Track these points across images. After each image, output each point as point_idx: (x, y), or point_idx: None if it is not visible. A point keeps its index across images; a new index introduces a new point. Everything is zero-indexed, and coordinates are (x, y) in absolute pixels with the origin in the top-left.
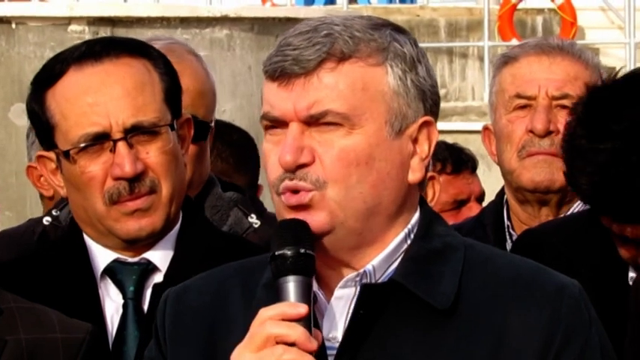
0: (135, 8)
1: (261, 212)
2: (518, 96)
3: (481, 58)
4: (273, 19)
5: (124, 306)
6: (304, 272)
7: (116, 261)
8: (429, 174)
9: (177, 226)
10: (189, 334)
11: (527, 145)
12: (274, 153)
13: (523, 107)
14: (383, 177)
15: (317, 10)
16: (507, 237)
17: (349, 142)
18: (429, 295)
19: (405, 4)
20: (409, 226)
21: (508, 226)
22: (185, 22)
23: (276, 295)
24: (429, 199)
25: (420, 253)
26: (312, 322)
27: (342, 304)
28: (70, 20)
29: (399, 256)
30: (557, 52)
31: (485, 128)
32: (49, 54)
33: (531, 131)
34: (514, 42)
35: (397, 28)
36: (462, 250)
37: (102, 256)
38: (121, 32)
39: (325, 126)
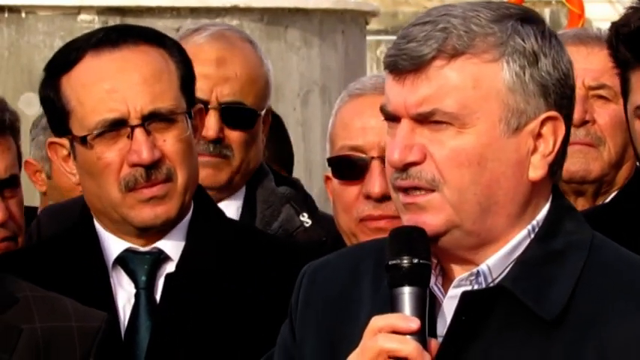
0: None
1: (313, 211)
2: None
3: None
4: (283, 9)
5: (136, 295)
6: (419, 283)
7: (128, 250)
8: None
9: (189, 216)
10: (317, 317)
11: None
12: (390, 147)
13: None
14: (497, 177)
15: (326, 1)
16: None
17: (460, 143)
18: (536, 303)
19: None
20: (534, 222)
21: None
22: (195, 12)
23: (391, 305)
24: None
25: (536, 255)
26: (426, 332)
27: (454, 303)
28: (80, 10)
29: (517, 257)
30: (595, 43)
31: None
32: (59, 43)
33: None
34: None
35: (524, 19)
36: (585, 250)
37: (114, 245)
38: (131, 22)
39: (435, 124)
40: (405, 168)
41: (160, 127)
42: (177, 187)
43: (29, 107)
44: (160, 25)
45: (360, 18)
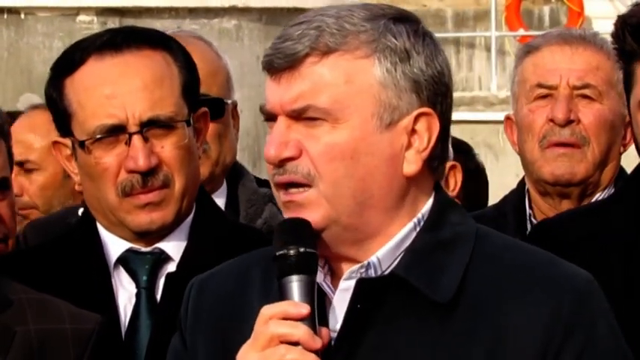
0: None
1: None
2: (540, 85)
3: (488, 49)
4: (281, 9)
5: (137, 295)
6: (306, 271)
7: (129, 250)
8: (450, 163)
9: (191, 217)
10: (208, 323)
11: (547, 134)
12: (266, 146)
13: (544, 97)
14: (371, 171)
15: (323, 1)
16: (529, 225)
17: (333, 137)
18: (429, 288)
19: None
20: (419, 215)
21: (530, 214)
22: (193, 12)
23: (280, 294)
24: (450, 188)
25: (425, 244)
26: (316, 320)
27: (346, 296)
28: (79, 10)
29: (406, 247)
30: (579, 42)
31: (507, 118)
32: (58, 44)
33: (552, 120)
34: (521, 32)
35: (397, 18)
36: (472, 240)
37: (115, 245)
38: (130, 22)
39: (310, 121)
40: (281, 164)
41: (159, 133)
42: (174, 193)
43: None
44: (159, 25)
45: None
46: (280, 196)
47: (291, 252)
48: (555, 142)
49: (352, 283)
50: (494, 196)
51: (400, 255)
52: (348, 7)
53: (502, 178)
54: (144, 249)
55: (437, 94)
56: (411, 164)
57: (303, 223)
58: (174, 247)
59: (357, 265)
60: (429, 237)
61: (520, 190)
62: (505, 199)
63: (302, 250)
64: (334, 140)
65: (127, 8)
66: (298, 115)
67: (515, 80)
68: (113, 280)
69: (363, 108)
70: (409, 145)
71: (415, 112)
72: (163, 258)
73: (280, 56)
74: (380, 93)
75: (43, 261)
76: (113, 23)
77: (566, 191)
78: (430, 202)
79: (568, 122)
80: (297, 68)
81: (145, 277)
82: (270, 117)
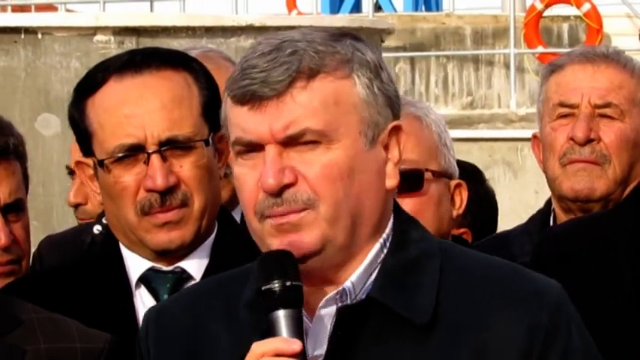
0: (160, 18)
1: None
2: (562, 104)
3: (507, 66)
4: (298, 28)
5: None
6: (293, 304)
7: (151, 269)
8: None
9: (213, 236)
10: (172, 355)
11: (568, 152)
12: (251, 177)
13: (566, 115)
14: (365, 187)
15: (342, 19)
16: None
17: (330, 158)
18: (407, 310)
19: (431, 12)
20: (384, 235)
21: None
22: (210, 31)
23: (268, 330)
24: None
25: (395, 265)
26: (306, 354)
27: (325, 322)
28: (96, 30)
29: (375, 268)
30: (601, 61)
31: (534, 137)
32: (75, 64)
33: (572, 139)
34: (540, 49)
35: (356, 37)
36: (438, 257)
37: (137, 264)
38: (147, 42)
39: (304, 145)
40: (280, 192)
41: (178, 153)
42: (193, 212)
43: (46, 128)
44: (175, 44)
45: (375, 36)
46: (269, 222)
47: (276, 286)
48: (575, 160)
49: (329, 310)
50: (514, 213)
51: (371, 276)
52: (307, 31)
53: (521, 195)
54: (165, 268)
55: (399, 106)
56: (392, 178)
57: (285, 255)
58: (195, 266)
59: (334, 292)
60: (397, 258)
61: (546, 209)
62: (532, 219)
63: (288, 283)
64: (333, 160)
65: (144, 28)
66: (292, 141)
67: (539, 99)
68: (135, 299)
69: (352, 127)
70: (387, 160)
71: (390, 126)
72: (185, 277)
73: (263, 85)
74: (364, 111)
75: (66, 281)
76: (130, 43)
77: (586, 207)
78: (392, 220)
79: (588, 141)
80: (285, 94)
81: (165, 296)
82: (252, 148)
